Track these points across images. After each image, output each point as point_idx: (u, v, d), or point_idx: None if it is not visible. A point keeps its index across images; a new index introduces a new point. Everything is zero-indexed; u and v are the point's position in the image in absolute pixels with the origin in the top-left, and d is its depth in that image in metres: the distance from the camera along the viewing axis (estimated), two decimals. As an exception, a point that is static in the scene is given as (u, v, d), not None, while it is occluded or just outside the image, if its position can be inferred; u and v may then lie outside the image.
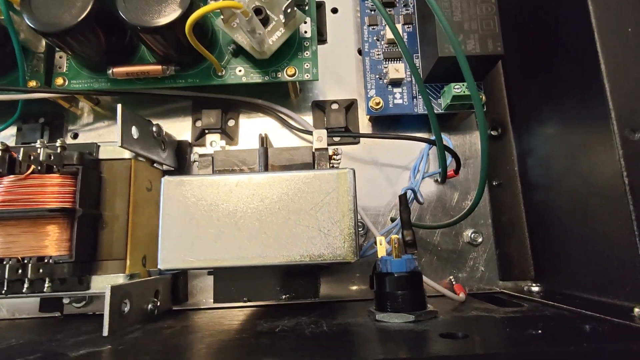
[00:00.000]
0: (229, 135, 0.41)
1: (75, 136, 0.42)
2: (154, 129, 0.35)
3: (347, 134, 0.40)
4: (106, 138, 0.42)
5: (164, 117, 0.42)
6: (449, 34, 0.27)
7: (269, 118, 0.42)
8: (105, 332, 0.26)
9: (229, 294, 0.26)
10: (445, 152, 0.36)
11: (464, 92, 0.36)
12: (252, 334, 0.28)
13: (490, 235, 0.39)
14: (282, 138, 0.42)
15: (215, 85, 0.38)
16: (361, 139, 0.42)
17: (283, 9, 0.34)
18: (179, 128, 0.42)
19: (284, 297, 0.26)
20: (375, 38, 0.40)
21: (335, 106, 0.42)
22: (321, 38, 0.43)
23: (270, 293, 0.26)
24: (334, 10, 0.44)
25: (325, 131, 0.30)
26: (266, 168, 0.27)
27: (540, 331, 0.23)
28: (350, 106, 0.42)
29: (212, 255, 0.24)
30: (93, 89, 0.38)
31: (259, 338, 0.25)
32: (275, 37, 0.36)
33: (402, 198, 0.31)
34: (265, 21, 0.35)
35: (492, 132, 0.41)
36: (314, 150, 0.28)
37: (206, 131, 0.41)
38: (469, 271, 0.39)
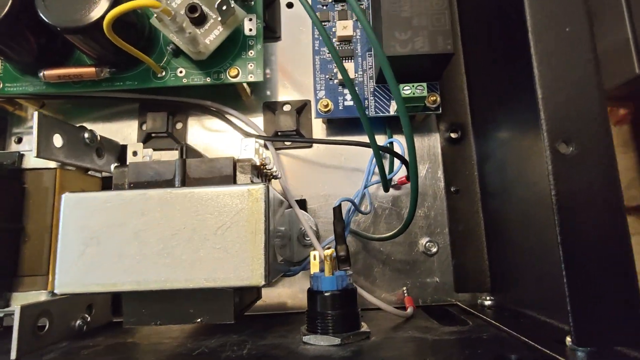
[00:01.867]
0: (176, 139, 0.40)
1: (19, 140, 0.41)
2: (86, 135, 0.33)
3: (289, 139, 0.38)
4: (51, 142, 0.41)
5: (109, 121, 0.41)
6: (368, 33, 0.25)
7: (219, 120, 0.40)
8: (12, 355, 0.25)
9: (139, 317, 0.24)
10: (393, 158, 0.34)
11: (414, 93, 0.33)
12: (169, 356, 0.26)
13: (446, 244, 0.37)
14: (233, 142, 0.40)
15: (161, 87, 0.36)
16: (313, 145, 0.40)
17: (216, 6, 0.31)
18: (125, 132, 0.40)
19: (198, 320, 0.24)
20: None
21: (287, 107, 0.40)
22: (274, 35, 0.41)
23: (182, 316, 0.24)
24: (289, 5, 0.42)
25: (253, 139, 0.29)
26: (183, 182, 0.26)
27: (461, 363, 0.21)
28: (303, 108, 0.40)
29: (112, 279, 0.22)
30: (27, 93, 0.36)
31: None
32: (212, 37, 0.33)
33: (336, 210, 0.29)
34: (201, 20, 0.33)
35: (452, 135, 0.38)
36: (235, 161, 0.26)
37: (152, 135, 0.40)
38: (423, 282, 0.37)
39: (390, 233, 0.33)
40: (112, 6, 0.29)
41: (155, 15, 0.32)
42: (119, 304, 0.34)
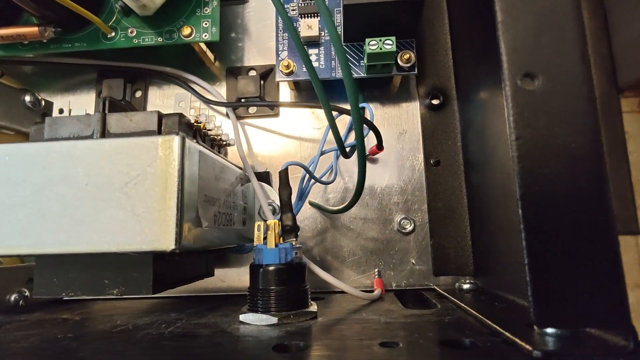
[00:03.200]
0: (134, 108, 0.37)
1: (-22, 111, 0.39)
2: (27, 98, 0.31)
3: (245, 103, 0.34)
4: (8, 113, 0.39)
5: (69, 91, 0.38)
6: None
7: (181, 89, 0.37)
8: None
9: (51, 287, 0.22)
10: (363, 125, 0.30)
11: (381, 48, 0.29)
12: (88, 333, 0.23)
13: (424, 222, 0.33)
14: (197, 112, 0.37)
15: (118, 50, 0.34)
16: (281, 109, 0.36)
17: (158, -48, 0.28)
18: (84, 101, 0.38)
19: (114, 291, 0.22)
20: (291, -9, 0.34)
21: (252, 73, 0.37)
22: (240, -3, 0.38)
23: (96, 287, 0.21)
24: (254, -41, 0.39)
25: (189, 94, 0.25)
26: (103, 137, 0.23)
27: (400, 344, 0.17)
28: (269, 73, 0.36)
29: (7, 241, 0.20)
30: (-26, 57, 0.34)
31: (89, 342, 0.21)
32: (159, -11, 0.31)
33: (282, 175, 0.25)
34: (147, -30, 0.30)
35: (433, 101, 0.34)
36: (160, 116, 0.23)
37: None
38: (397, 264, 0.33)
39: (343, 205, 0.29)
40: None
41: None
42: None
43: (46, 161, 0.20)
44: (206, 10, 0.33)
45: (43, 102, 0.32)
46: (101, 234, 0.19)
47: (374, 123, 0.30)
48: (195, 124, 0.25)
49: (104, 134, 0.23)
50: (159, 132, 0.23)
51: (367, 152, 0.33)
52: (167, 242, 0.19)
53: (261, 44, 0.38)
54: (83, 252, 0.19)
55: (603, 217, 0.16)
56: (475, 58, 0.31)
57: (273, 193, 0.34)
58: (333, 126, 0.24)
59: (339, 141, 0.26)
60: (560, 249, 0.15)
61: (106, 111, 0.24)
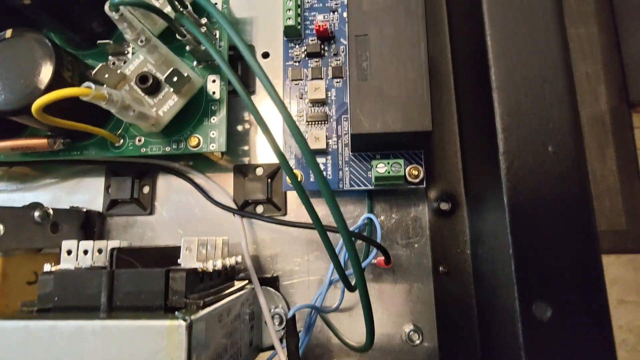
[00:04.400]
0: (143, 206, 0.37)
1: (-11, 202, 0.40)
2: (37, 214, 0.31)
3: (249, 213, 0.34)
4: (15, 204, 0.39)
5: (74, 178, 0.38)
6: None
7: (189, 185, 0.37)
8: None
9: None
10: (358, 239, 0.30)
11: (389, 172, 0.29)
12: None
13: (433, 333, 0.33)
14: (205, 209, 0.37)
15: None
16: (289, 207, 0.36)
17: (163, 79, 0.28)
18: (92, 192, 0.38)
19: None
20: (298, 96, 0.34)
21: (259, 171, 0.36)
22: (248, 89, 0.38)
23: None
24: (265, 55, 0.38)
25: (196, 239, 0.25)
26: (110, 304, 0.23)
27: None
28: (277, 172, 0.36)
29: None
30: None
31: None
32: (166, 108, 0.30)
33: (289, 324, 0.25)
34: (153, 89, 0.30)
35: (441, 206, 0.34)
36: (167, 273, 0.23)
37: (118, 200, 0.37)
38: (405, 376, 0.33)
39: (357, 345, 0.29)
40: (48, 89, 0.27)
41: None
42: None
43: (51, 342, 0.20)
44: (213, 119, 0.33)
45: (52, 214, 0.32)
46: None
47: (382, 230, 0.30)
48: (203, 270, 0.25)
49: (111, 295, 0.23)
50: (166, 291, 0.23)
51: (374, 262, 0.33)
52: None
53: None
54: None
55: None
56: (483, 164, 0.30)
57: (280, 300, 0.34)
58: (335, 262, 0.24)
59: (342, 275, 0.25)
60: None
61: (113, 266, 0.24)
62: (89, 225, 0.37)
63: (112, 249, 0.24)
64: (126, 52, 0.34)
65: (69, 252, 0.26)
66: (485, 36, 0.25)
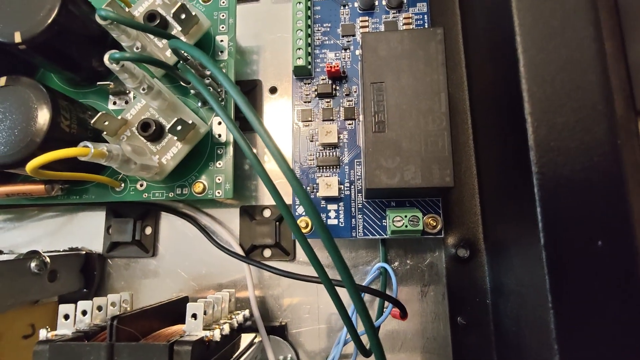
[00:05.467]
0: (145, 248, 0.36)
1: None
2: (33, 264, 0.30)
3: (257, 263, 0.32)
4: (14, 245, 0.37)
5: (73, 213, 0.37)
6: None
7: (192, 226, 0.36)
8: None
9: None
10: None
11: (407, 226, 0.27)
12: None
13: (451, 388, 0.31)
14: (210, 252, 0.35)
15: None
16: (297, 252, 0.34)
17: (168, 130, 0.27)
18: (91, 232, 0.37)
19: None
20: (309, 138, 0.32)
21: (267, 213, 0.35)
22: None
23: None
24: (273, 90, 0.37)
25: (201, 305, 0.24)
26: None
27: None
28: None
29: None
30: (-20, 206, 0.33)
31: None
32: (169, 155, 0.29)
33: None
34: (156, 136, 0.29)
35: (459, 253, 0.32)
36: (171, 347, 0.21)
37: (119, 243, 0.36)
38: None
39: None
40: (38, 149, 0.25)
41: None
42: None
43: None
44: (219, 164, 0.31)
45: (49, 262, 0.31)
46: None
47: (397, 280, 0.28)
48: (209, 341, 0.23)
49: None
50: (170, 368, 0.21)
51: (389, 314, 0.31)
52: None
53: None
54: None
55: None
56: (506, 208, 0.28)
57: (289, 349, 0.32)
58: (350, 328, 0.22)
59: (357, 340, 0.23)
60: None
61: (113, 339, 0.22)
62: (88, 268, 0.35)
63: (112, 318, 0.22)
64: (128, 91, 0.32)
65: (66, 317, 0.24)
66: (518, 68, 0.23)
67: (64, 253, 0.34)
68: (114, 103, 0.33)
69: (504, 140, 0.26)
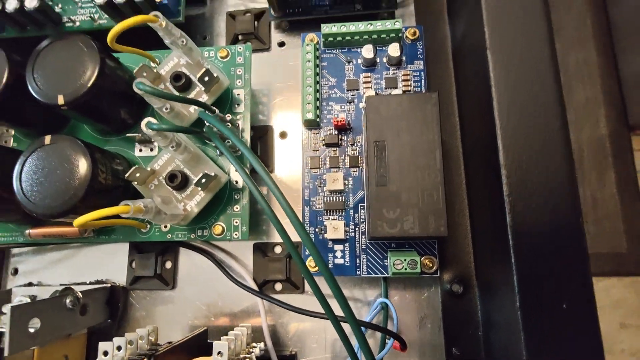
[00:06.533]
0: (165, 281, 0.39)
1: (15, 272, 0.41)
2: (68, 300, 0.33)
3: (275, 301, 0.35)
4: (44, 277, 0.40)
5: (97, 247, 0.40)
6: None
7: (208, 260, 0.39)
8: None
9: None
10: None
11: (406, 269, 0.31)
12: None
13: (447, 413, 0.34)
14: (226, 285, 0.38)
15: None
16: (305, 289, 0.38)
17: (195, 183, 0.30)
18: (116, 266, 0.40)
19: None
20: (318, 184, 0.35)
21: (278, 249, 0.38)
22: (267, 167, 0.39)
23: None
24: (283, 135, 0.40)
25: (226, 344, 0.27)
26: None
27: None
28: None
29: None
30: (17, 243, 0.36)
31: None
32: (193, 203, 0.32)
33: None
34: (182, 185, 0.32)
35: (453, 288, 0.35)
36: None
37: (142, 277, 0.39)
38: None
39: None
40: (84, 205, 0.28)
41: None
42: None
43: None
44: (236, 208, 0.34)
45: (81, 297, 0.34)
46: None
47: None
48: (230, 376, 0.26)
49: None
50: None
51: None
52: None
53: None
54: None
55: None
56: (494, 253, 0.32)
57: (299, 378, 0.35)
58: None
59: None
60: None
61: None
62: (113, 300, 0.38)
63: (150, 356, 0.25)
64: (153, 140, 0.36)
65: (105, 354, 0.27)
66: (495, 128, 0.27)
67: (92, 287, 0.37)
68: (140, 150, 0.36)
69: (488, 184, 0.30)
